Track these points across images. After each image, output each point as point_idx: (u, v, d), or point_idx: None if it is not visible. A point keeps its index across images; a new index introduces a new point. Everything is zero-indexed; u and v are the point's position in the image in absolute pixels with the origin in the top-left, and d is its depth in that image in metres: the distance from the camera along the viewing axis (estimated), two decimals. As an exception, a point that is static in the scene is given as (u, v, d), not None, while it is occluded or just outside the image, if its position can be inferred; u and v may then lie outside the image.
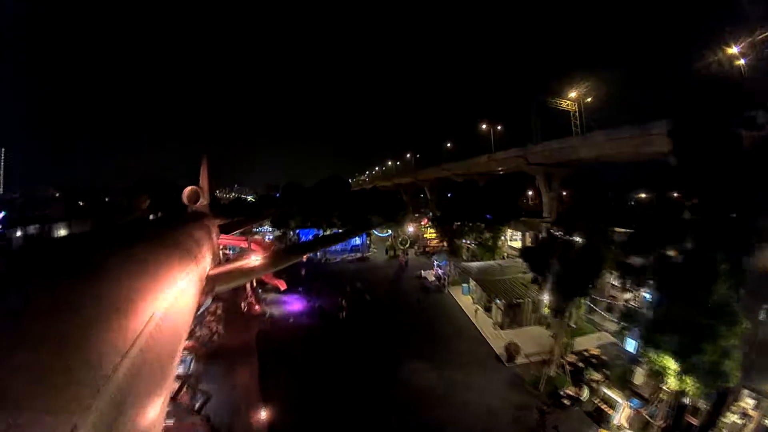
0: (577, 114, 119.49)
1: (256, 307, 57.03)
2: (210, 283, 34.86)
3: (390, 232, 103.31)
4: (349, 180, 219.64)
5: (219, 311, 54.15)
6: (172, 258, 20.07)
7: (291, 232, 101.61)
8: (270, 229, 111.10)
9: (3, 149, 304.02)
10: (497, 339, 47.76)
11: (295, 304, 59.16)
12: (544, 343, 44.52)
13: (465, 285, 63.22)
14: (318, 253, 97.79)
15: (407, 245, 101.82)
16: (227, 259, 74.07)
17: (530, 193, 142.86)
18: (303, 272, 72.47)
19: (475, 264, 63.40)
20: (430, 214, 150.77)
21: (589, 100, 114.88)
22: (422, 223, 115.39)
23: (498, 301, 50.77)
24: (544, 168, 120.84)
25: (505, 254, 77.09)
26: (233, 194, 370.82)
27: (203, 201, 65.42)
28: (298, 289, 63.79)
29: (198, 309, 33.07)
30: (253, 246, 62.88)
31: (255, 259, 43.31)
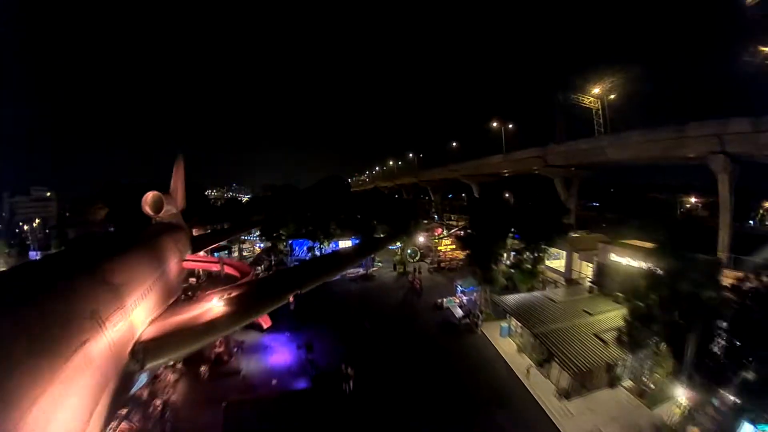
0: (600, 112, 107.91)
1: (227, 357, 42.53)
2: (139, 356, 24.13)
3: (399, 244, 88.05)
4: (349, 180, 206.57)
5: (179, 364, 40.00)
6: (46, 334, 15.10)
7: (283, 244, 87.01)
8: (259, 236, 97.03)
9: None
10: (566, 417, 33.93)
11: (280, 354, 44.17)
12: (627, 417, 33.51)
13: (504, 325, 48.84)
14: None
15: (417, 258, 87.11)
16: (209, 277, 59.81)
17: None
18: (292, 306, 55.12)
19: (515, 298, 49.09)
20: (436, 217, 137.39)
21: (612, 97, 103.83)
22: (435, 233, 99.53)
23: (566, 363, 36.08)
24: (563, 170, 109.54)
25: (542, 276, 62.87)
26: (231, 194, 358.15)
27: (171, 209, 52.98)
28: (285, 328, 48.71)
29: (120, 392, 21.79)
30: (226, 269, 49.43)
31: (217, 305, 29.28)
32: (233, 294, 32.28)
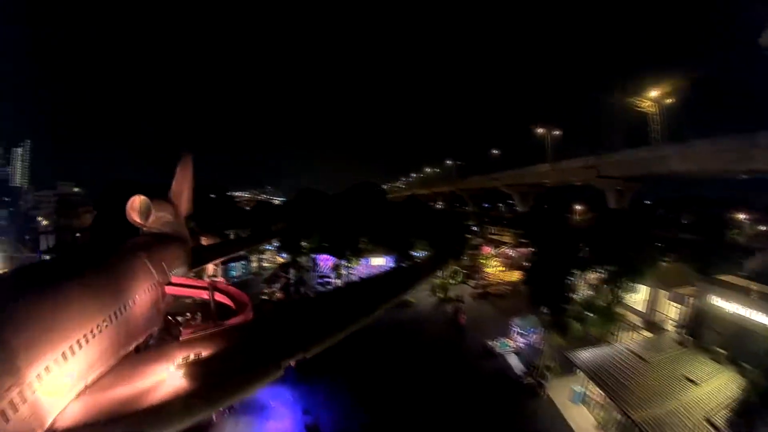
0: (656, 117, 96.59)
1: (209, 422, 32.17)
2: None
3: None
4: (384, 186, 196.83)
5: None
6: None
7: (304, 258, 76.64)
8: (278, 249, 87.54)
9: (29, 141, 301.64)
10: None
11: (279, 419, 33.26)
12: None
13: (577, 389, 37.20)
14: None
15: (459, 279, 75.28)
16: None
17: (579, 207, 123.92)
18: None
19: (592, 354, 37.15)
20: (474, 229, 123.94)
21: (669, 101, 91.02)
22: (482, 251, 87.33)
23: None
24: (613, 182, 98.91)
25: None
26: (264, 196, 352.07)
27: (166, 216, 45.88)
28: (289, 376, 37.01)
29: None
30: (219, 297, 39.65)
31: (175, 377, 19.51)
32: (204, 354, 22.40)
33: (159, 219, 43.36)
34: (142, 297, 30.51)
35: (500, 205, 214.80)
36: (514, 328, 49.81)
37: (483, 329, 52.98)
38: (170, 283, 37.71)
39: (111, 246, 35.42)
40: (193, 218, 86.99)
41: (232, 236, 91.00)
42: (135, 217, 41.05)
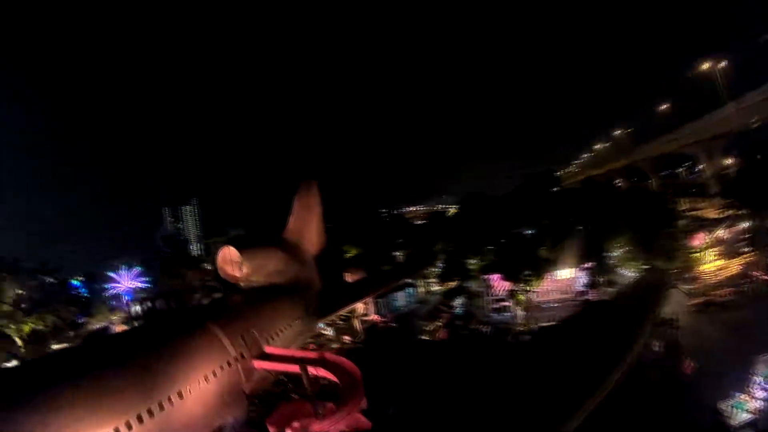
0: None
1: None
2: None
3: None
4: (557, 173, 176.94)
5: None
6: None
7: (474, 282, 62.46)
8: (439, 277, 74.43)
9: (197, 199, 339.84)
10: None
11: None
12: None
13: None
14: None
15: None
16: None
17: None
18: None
19: None
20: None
21: None
22: (694, 241, 61.36)
23: None
24: None
25: None
26: (439, 206, 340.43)
27: (273, 264, 37.19)
28: None
29: None
30: (320, 372, 27.86)
31: None
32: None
33: (259, 269, 35.18)
34: (201, 385, 22.62)
35: (679, 170, 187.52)
36: (754, 376, 30.17)
37: (710, 370, 33.07)
38: (264, 355, 27.40)
39: (180, 316, 27.61)
40: (361, 245, 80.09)
41: (400, 257, 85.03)
42: (227, 272, 34.81)
